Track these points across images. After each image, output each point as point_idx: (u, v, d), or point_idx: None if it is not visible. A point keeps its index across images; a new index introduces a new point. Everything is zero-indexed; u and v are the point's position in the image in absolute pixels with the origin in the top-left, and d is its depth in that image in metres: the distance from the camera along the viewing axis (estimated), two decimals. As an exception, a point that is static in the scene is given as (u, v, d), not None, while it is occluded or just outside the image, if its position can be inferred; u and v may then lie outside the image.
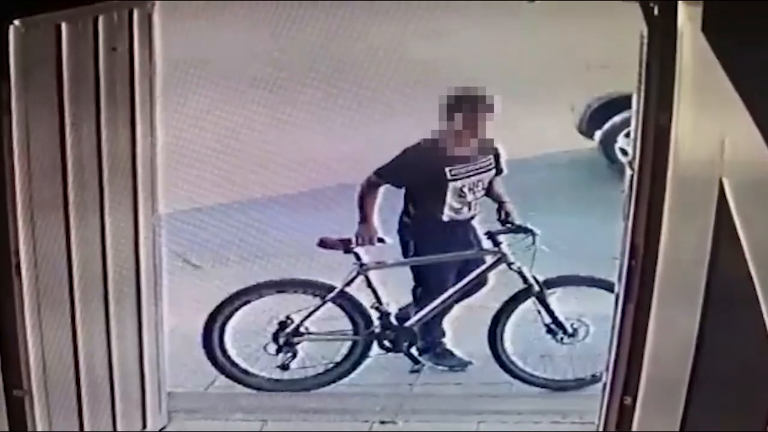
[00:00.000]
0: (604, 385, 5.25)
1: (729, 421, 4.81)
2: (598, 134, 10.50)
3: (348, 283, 6.91)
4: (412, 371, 7.11)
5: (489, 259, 7.03)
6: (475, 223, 7.11)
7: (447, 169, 6.94)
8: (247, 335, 7.08)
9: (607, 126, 10.43)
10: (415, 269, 7.13)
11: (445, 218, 7.00)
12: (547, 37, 9.89)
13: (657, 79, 4.77)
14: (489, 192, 7.12)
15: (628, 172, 5.06)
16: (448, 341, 7.17)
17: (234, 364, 6.96)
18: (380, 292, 6.97)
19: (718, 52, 4.49)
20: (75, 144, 5.36)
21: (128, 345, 5.92)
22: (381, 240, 6.98)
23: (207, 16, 9.76)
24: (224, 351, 6.94)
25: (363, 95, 10.13)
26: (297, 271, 7.93)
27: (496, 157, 7.09)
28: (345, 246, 6.93)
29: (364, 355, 6.98)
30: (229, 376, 6.97)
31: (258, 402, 6.86)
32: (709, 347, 4.79)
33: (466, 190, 6.99)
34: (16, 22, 4.86)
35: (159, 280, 6.13)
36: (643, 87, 4.87)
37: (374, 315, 6.97)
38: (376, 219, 6.98)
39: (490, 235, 6.98)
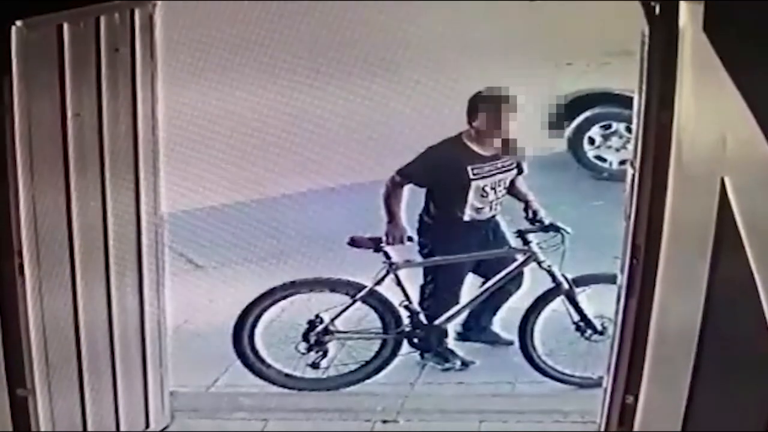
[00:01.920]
0: (606, 384, 5.25)
1: (731, 420, 4.81)
2: (566, 132, 10.55)
3: (378, 282, 6.93)
4: (444, 370, 7.11)
5: (519, 258, 7.05)
6: (499, 220, 7.13)
7: (470, 168, 6.96)
8: (276, 334, 7.09)
9: (573, 125, 10.48)
10: (428, 267, 7.14)
11: (466, 218, 7.02)
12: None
13: (658, 78, 4.77)
14: (512, 191, 7.15)
15: (630, 171, 5.07)
16: (450, 341, 7.19)
17: (264, 363, 6.99)
18: (409, 291, 6.99)
19: (720, 51, 4.49)
20: (77, 143, 5.36)
21: (131, 344, 5.93)
22: (410, 239, 7.01)
23: (208, 16, 9.77)
24: (254, 349, 6.97)
25: (365, 96, 10.14)
26: (300, 271, 7.95)
27: (518, 156, 7.10)
28: (375, 245, 6.96)
29: (394, 353, 7.01)
30: (258, 374, 6.99)
31: (260, 401, 6.87)
32: (711, 346, 4.79)
33: (488, 189, 7.01)
34: (19, 22, 4.87)
35: (161, 279, 6.13)
36: (644, 86, 4.88)
37: (404, 313, 6.99)
38: (404, 218, 7.00)
39: (520, 234, 7.00)
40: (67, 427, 5.50)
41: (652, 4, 4.74)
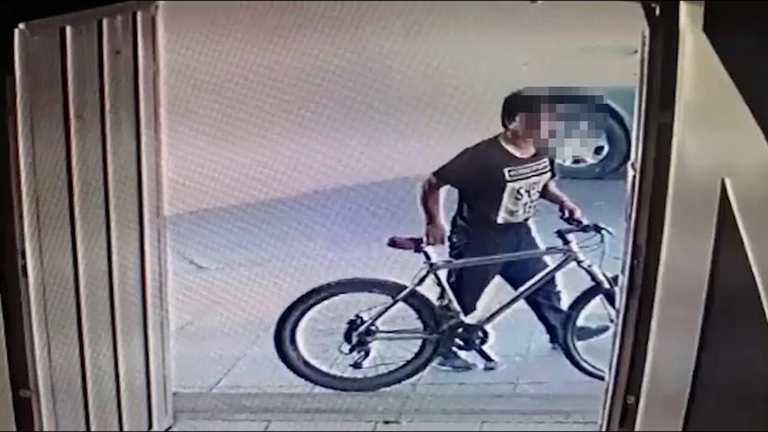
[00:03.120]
0: (607, 384, 5.26)
1: (732, 421, 4.82)
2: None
3: (419, 282, 6.95)
4: (486, 369, 7.12)
5: (557, 258, 7.09)
6: (531, 225, 7.15)
7: (506, 170, 6.98)
8: (317, 334, 7.12)
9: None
10: (452, 268, 7.16)
11: (500, 220, 7.04)
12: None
13: (659, 79, 4.78)
14: (545, 194, 7.17)
15: (630, 172, 5.08)
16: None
17: (305, 363, 7.01)
18: (449, 291, 7.02)
19: (720, 52, 4.50)
20: (80, 146, 5.37)
21: (134, 346, 5.94)
22: (450, 239, 7.03)
23: (210, 17, 9.78)
24: (296, 350, 7.00)
25: (366, 96, 10.14)
26: (304, 273, 7.96)
27: (551, 159, 7.11)
28: (416, 245, 6.98)
29: (434, 353, 7.03)
30: (300, 374, 7.02)
31: (262, 402, 6.88)
32: (712, 347, 4.80)
33: (522, 192, 7.03)
34: (21, 25, 4.87)
35: (164, 281, 6.14)
36: (644, 86, 4.89)
37: (445, 313, 7.00)
38: (443, 218, 7.03)
39: (560, 234, 7.02)
40: (70, 427, 5.51)
41: (653, 5, 4.75)
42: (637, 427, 5.03)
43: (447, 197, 7.07)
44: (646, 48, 4.85)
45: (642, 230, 4.92)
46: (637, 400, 5.00)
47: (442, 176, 7.01)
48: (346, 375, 7.03)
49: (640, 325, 4.95)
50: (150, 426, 6.17)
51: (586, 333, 7.00)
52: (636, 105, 4.99)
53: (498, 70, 9.64)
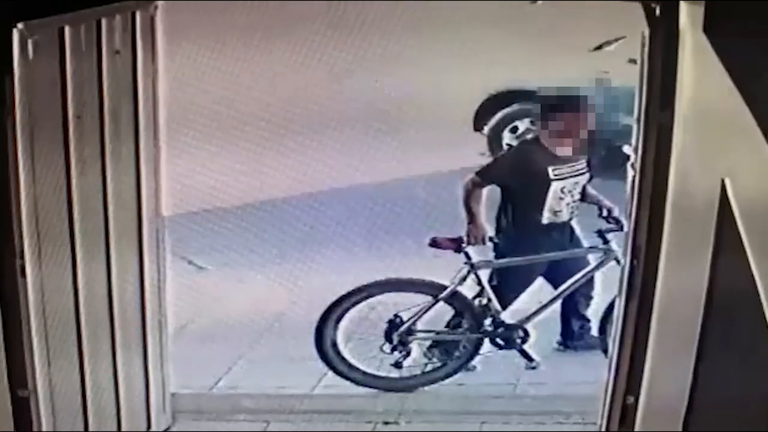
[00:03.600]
0: (607, 384, 5.25)
1: (732, 421, 4.81)
2: (485, 129, 10.61)
3: (460, 282, 6.97)
4: (528, 368, 7.12)
5: (597, 258, 7.09)
6: (573, 225, 7.16)
7: (550, 169, 7.00)
8: (357, 334, 7.12)
9: (492, 121, 10.55)
10: (496, 269, 7.17)
11: (545, 220, 7.06)
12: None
13: (659, 79, 4.78)
14: (583, 196, 7.18)
15: (630, 172, 5.07)
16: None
17: (346, 362, 7.02)
18: (489, 291, 7.03)
19: (720, 52, 4.50)
20: (79, 146, 5.37)
21: (133, 346, 5.94)
22: (491, 239, 7.05)
23: (209, 17, 9.78)
24: (336, 350, 7.01)
25: (368, 97, 10.14)
26: (304, 273, 7.95)
27: (588, 160, 7.13)
28: (456, 245, 6.99)
29: (475, 352, 7.04)
30: (340, 374, 7.03)
31: (261, 403, 6.87)
32: (712, 347, 4.80)
33: (566, 191, 7.06)
34: (20, 25, 4.88)
35: (163, 281, 6.14)
36: (645, 86, 4.88)
37: (486, 313, 7.02)
38: (484, 219, 7.03)
39: (600, 233, 7.03)
40: (68, 427, 5.51)
41: (653, 5, 4.74)
42: (637, 427, 5.02)
43: (489, 197, 7.09)
44: (646, 48, 4.84)
45: (642, 231, 4.91)
46: (637, 401, 4.99)
47: (485, 176, 7.05)
48: (386, 375, 7.03)
49: (639, 325, 4.95)
50: (149, 426, 6.17)
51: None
52: (636, 105, 4.99)
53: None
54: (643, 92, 4.91)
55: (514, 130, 10.57)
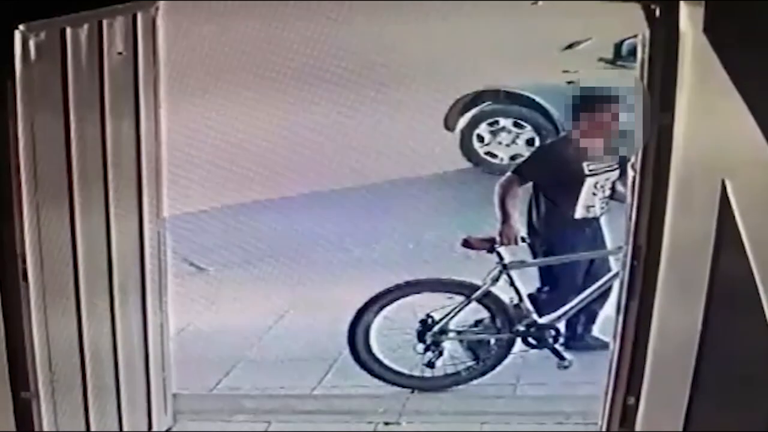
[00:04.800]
0: (607, 385, 5.26)
1: (732, 421, 4.82)
2: (456, 130, 10.68)
3: (493, 283, 6.99)
4: (560, 368, 7.13)
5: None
6: (602, 222, 7.20)
7: (585, 165, 7.03)
8: (390, 334, 7.12)
9: (461, 121, 10.57)
10: (545, 269, 7.20)
11: (577, 215, 7.09)
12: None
13: (659, 80, 4.78)
14: (613, 193, 7.20)
15: (630, 172, 5.08)
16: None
17: (379, 363, 7.04)
18: (522, 292, 7.05)
19: (720, 53, 4.50)
20: (80, 148, 5.37)
21: (134, 347, 5.94)
22: (524, 239, 7.08)
23: (210, 18, 9.79)
24: (369, 350, 7.03)
25: (368, 98, 10.16)
26: (305, 274, 7.96)
27: (621, 157, 7.15)
28: (489, 245, 7.01)
29: (507, 352, 7.06)
30: (373, 374, 7.04)
31: (262, 404, 6.88)
32: (712, 347, 4.80)
33: (599, 186, 7.10)
34: (21, 26, 4.88)
35: (164, 282, 6.14)
36: (645, 87, 4.89)
37: (517, 313, 7.04)
38: (517, 218, 7.05)
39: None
40: (70, 429, 5.51)
41: (653, 6, 4.75)
42: (637, 427, 5.03)
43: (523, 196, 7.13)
44: (647, 49, 4.85)
45: (642, 231, 4.92)
46: (637, 401, 5.00)
47: (522, 174, 7.08)
48: (419, 374, 7.05)
49: (640, 325, 4.95)
50: (150, 427, 6.17)
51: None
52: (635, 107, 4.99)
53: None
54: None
55: (494, 124, 10.69)
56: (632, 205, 5.01)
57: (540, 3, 10.02)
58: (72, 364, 5.51)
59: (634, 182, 4.99)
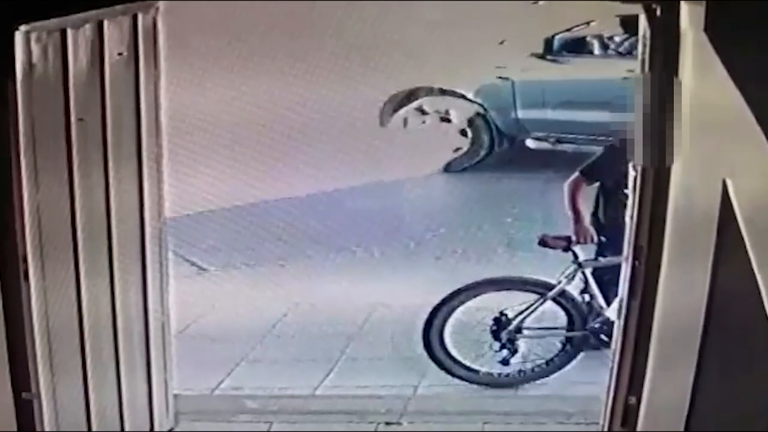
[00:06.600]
0: (609, 385, 5.26)
1: (733, 421, 4.82)
2: (389, 126, 10.77)
3: (568, 281, 7.03)
4: None
5: None
6: None
7: None
8: (464, 332, 7.16)
9: (396, 117, 10.69)
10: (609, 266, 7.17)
11: None
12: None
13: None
14: None
15: (632, 172, 5.08)
16: None
17: (453, 360, 7.07)
18: (595, 289, 7.07)
19: (720, 52, 4.50)
20: (81, 149, 5.38)
21: (135, 347, 5.94)
22: (599, 238, 7.10)
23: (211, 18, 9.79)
24: (444, 348, 7.06)
25: (369, 98, 10.16)
26: (305, 274, 7.95)
27: None
28: (566, 244, 7.05)
29: (579, 349, 7.10)
30: (448, 371, 7.09)
31: (264, 404, 6.88)
32: (713, 346, 4.80)
33: None
34: (22, 27, 4.88)
35: (165, 282, 6.14)
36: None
37: (590, 310, 7.07)
38: (589, 217, 7.10)
39: None
40: (71, 430, 5.52)
41: (654, 5, 4.75)
42: (639, 427, 5.03)
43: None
44: (647, 48, 4.85)
45: (643, 231, 4.92)
46: (639, 401, 5.00)
47: (590, 174, 7.13)
48: (493, 371, 7.10)
49: (641, 325, 4.95)
50: (152, 427, 6.17)
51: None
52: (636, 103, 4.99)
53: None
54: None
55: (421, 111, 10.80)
56: (633, 204, 5.01)
57: (540, 3, 10.03)
58: (74, 364, 5.51)
59: (634, 182, 4.99)
